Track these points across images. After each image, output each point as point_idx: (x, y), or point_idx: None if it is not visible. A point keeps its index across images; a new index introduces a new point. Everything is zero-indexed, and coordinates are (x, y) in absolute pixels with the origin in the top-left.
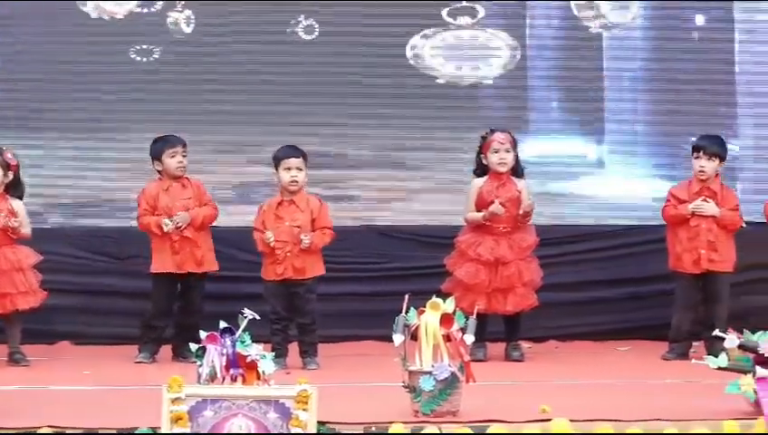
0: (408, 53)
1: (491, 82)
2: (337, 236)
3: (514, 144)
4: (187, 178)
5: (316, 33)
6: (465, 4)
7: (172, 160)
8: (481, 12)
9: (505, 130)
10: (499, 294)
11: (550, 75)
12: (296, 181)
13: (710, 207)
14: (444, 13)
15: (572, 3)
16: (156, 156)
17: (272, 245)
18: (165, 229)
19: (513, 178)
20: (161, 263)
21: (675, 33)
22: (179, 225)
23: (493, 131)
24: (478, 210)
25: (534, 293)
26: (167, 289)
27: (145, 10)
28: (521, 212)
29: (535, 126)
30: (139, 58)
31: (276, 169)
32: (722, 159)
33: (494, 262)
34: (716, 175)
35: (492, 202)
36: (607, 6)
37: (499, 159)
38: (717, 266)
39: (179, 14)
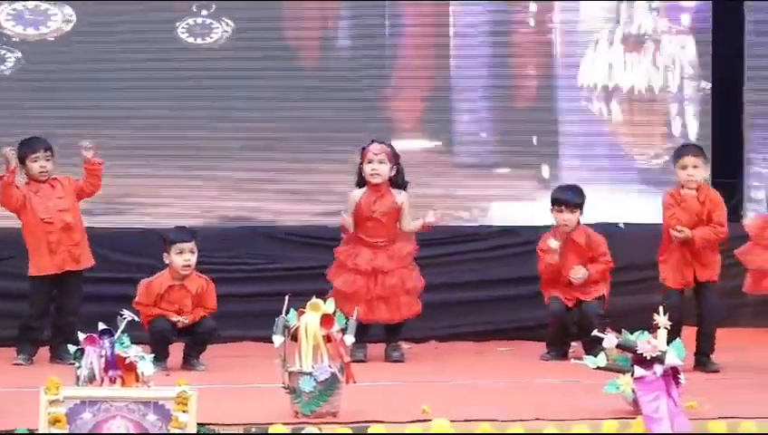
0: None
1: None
2: (218, 236)
3: (393, 156)
4: (55, 178)
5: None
6: None
7: (34, 165)
8: None
9: (384, 142)
10: (381, 304)
11: None
12: (189, 266)
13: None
14: None
15: None
16: (20, 160)
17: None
18: None
19: (393, 190)
20: (39, 267)
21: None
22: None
23: (372, 142)
24: (356, 221)
25: (418, 299)
26: (45, 290)
27: None
28: (425, 223)
29: None
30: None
31: (167, 251)
32: (581, 208)
33: (373, 271)
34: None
35: (372, 216)
36: None
37: (371, 169)
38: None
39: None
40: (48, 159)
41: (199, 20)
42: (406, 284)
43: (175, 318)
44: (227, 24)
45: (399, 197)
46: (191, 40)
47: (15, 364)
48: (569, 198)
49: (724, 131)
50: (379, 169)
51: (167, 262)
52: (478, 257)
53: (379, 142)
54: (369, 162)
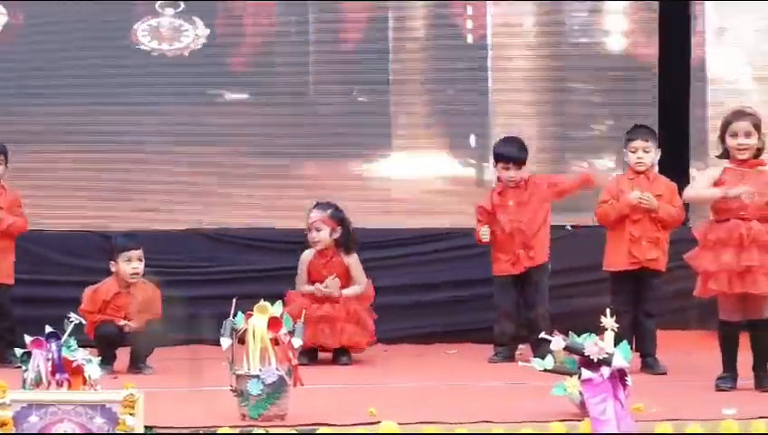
0: None
1: None
2: (166, 239)
3: (333, 220)
4: (2, 185)
5: None
6: None
7: None
8: None
9: (329, 207)
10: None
11: None
12: (137, 274)
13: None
14: None
15: None
16: None
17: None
18: None
19: (343, 253)
20: None
21: None
22: None
23: (314, 206)
24: (311, 282)
25: (369, 332)
26: None
27: None
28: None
29: None
30: None
31: (114, 260)
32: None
33: (321, 318)
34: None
35: (323, 279)
36: None
37: (311, 238)
38: (538, 260)
39: None
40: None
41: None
42: (353, 338)
43: (121, 323)
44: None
45: (347, 259)
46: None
47: None
48: (514, 154)
49: None
50: (318, 237)
51: (113, 269)
52: (427, 260)
53: (321, 207)
54: (309, 231)
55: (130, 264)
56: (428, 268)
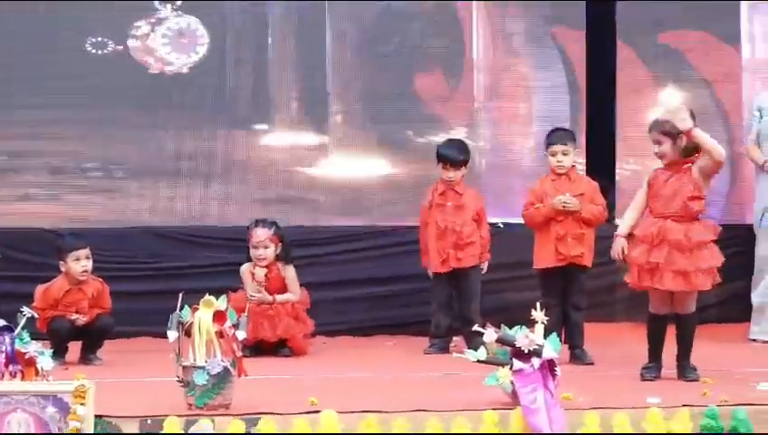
0: None
1: None
2: (113, 236)
3: (280, 237)
4: None
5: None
6: None
7: None
8: None
9: (271, 224)
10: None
11: None
12: (87, 272)
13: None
14: None
15: None
16: None
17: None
18: None
19: (280, 264)
20: None
21: None
22: None
23: (256, 225)
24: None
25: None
26: None
27: None
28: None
29: None
30: None
31: (63, 260)
32: (466, 164)
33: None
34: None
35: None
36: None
37: (257, 256)
38: (465, 263)
39: None
40: None
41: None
42: (290, 330)
43: (74, 317)
44: None
45: (284, 271)
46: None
47: None
48: (453, 156)
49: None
50: (265, 254)
51: (63, 269)
52: (366, 256)
53: (263, 225)
54: (255, 248)
55: (79, 262)
56: (370, 264)
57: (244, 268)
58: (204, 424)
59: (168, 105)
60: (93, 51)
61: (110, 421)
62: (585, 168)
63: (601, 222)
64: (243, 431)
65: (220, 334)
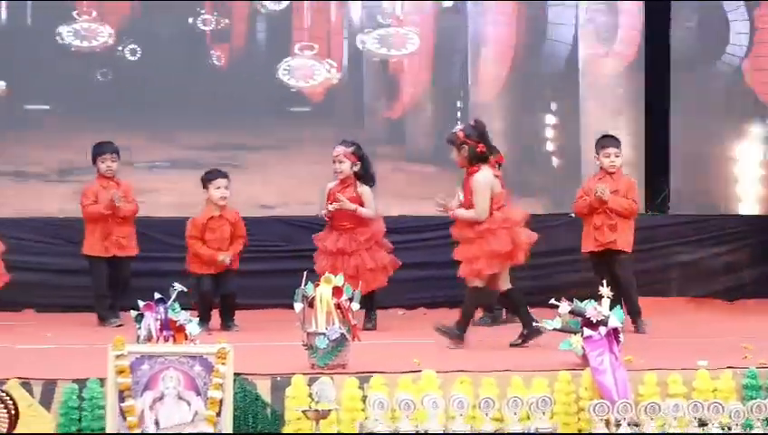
0: None
1: None
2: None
3: (359, 157)
4: (117, 180)
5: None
6: None
7: (102, 165)
8: None
9: (352, 144)
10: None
11: None
12: (225, 198)
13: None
14: None
15: None
16: (93, 159)
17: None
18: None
19: (359, 183)
20: (91, 247)
21: None
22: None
23: (342, 142)
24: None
25: (383, 275)
26: (100, 268)
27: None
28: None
29: None
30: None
31: (206, 188)
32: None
33: (338, 252)
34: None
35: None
36: None
37: (334, 169)
38: None
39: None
40: (114, 161)
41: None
42: (366, 264)
43: (220, 257)
44: None
45: (361, 189)
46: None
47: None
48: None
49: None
50: (340, 168)
51: (207, 196)
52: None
53: (344, 143)
54: (334, 163)
55: (219, 190)
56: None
57: (329, 185)
58: (324, 380)
59: None
60: None
61: (247, 378)
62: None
63: (632, 214)
64: (357, 387)
65: (338, 306)
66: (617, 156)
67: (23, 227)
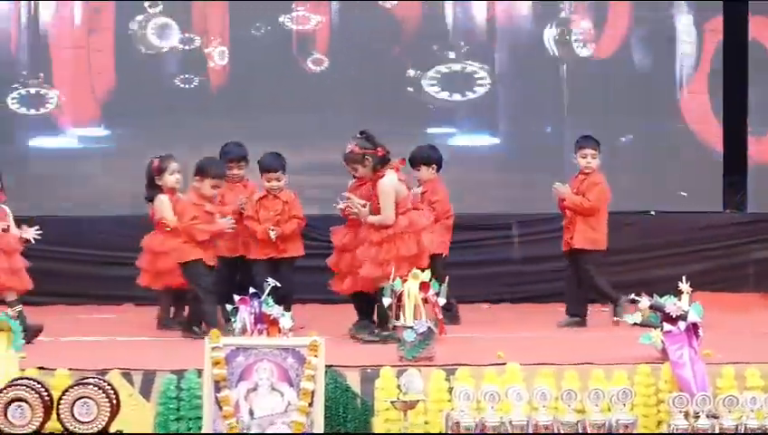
0: None
1: None
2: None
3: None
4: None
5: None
6: None
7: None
8: None
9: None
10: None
11: None
12: (273, 188)
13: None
14: None
15: None
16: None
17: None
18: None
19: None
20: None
21: None
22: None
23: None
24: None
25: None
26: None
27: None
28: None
29: None
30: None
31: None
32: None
33: (342, 248)
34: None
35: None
36: None
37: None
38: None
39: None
40: (241, 168)
41: None
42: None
43: (272, 232)
44: None
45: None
46: None
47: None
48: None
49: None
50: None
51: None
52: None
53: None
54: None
55: (270, 183)
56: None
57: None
58: (412, 372)
59: None
60: None
61: (337, 370)
62: None
63: (586, 212)
64: (444, 379)
65: (425, 300)
66: (593, 157)
67: (123, 224)
